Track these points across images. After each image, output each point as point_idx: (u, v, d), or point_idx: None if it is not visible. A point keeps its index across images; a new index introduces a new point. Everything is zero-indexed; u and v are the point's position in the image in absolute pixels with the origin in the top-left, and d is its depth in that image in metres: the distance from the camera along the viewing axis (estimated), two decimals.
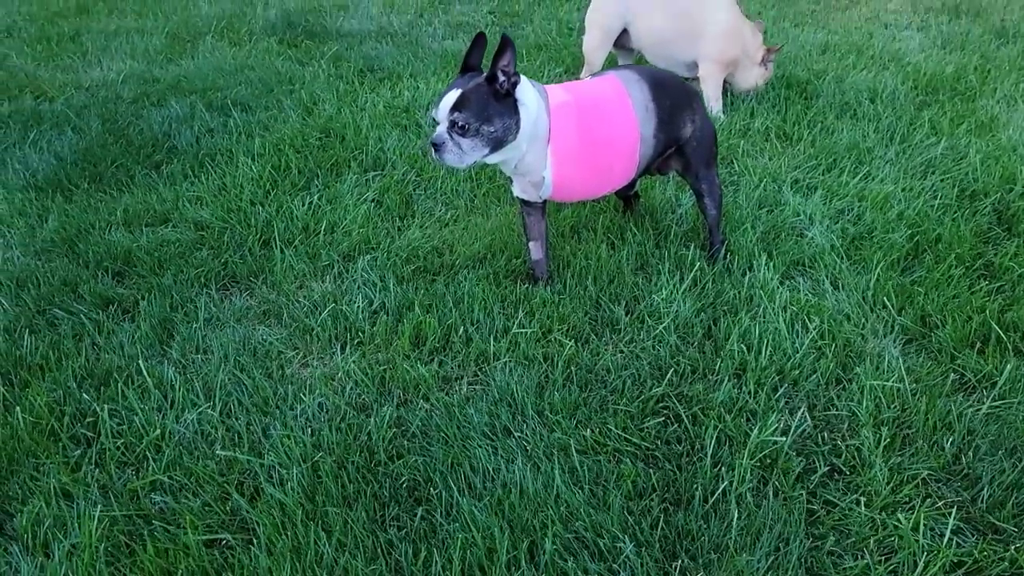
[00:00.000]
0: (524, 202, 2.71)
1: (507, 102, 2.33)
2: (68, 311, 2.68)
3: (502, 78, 2.30)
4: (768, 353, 2.44)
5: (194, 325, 2.63)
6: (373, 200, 3.42)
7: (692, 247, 2.97)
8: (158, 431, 2.15)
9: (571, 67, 4.97)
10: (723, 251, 2.96)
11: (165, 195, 3.46)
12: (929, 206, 3.26)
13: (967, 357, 2.43)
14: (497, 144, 2.37)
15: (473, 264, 2.96)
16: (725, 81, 4.35)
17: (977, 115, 4.14)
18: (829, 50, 5.28)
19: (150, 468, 2.05)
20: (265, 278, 2.92)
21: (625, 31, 4.34)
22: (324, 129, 4.08)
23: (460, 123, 2.30)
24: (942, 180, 3.49)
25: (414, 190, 3.55)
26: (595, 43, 4.35)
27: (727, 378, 2.36)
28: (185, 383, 2.34)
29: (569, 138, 2.48)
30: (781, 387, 2.34)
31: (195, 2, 6.77)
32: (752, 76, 4.32)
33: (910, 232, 3.07)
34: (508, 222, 3.19)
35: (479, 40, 2.40)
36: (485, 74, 2.32)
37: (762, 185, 3.48)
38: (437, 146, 2.34)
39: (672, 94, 2.69)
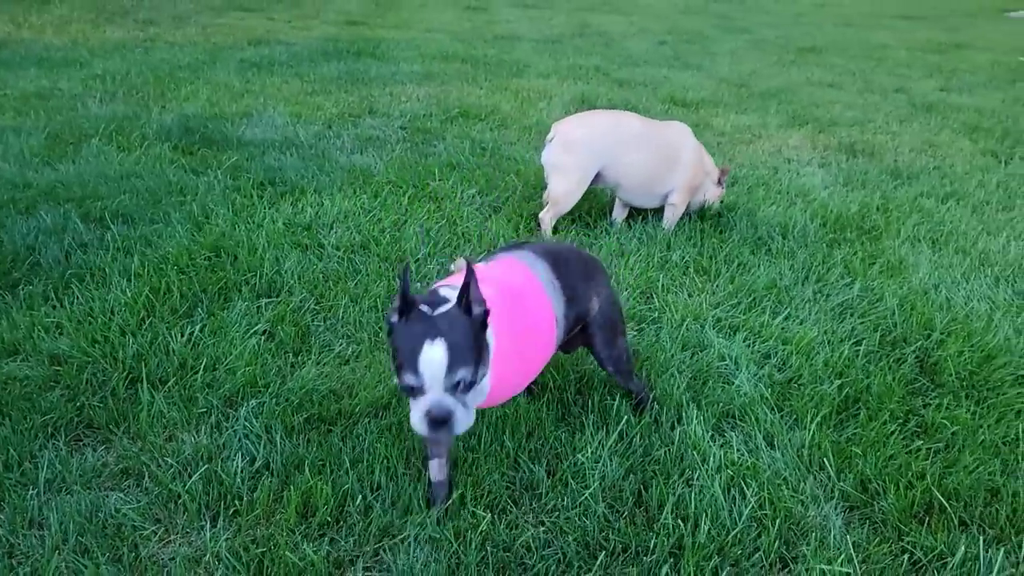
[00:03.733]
0: None
1: (483, 335, 1.93)
2: None
3: (478, 310, 1.89)
4: (706, 528, 2.19)
5: (31, 491, 2.17)
6: (264, 332, 3.06)
7: (617, 396, 2.74)
8: None
9: (483, 188, 4.82)
10: (649, 401, 2.75)
11: (18, 321, 3.00)
12: (854, 352, 3.16)
13: (915, 532, 2.24)
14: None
15: (375, 412, 2.63)
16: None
17: (886, 255, 4.18)
18: (738, 182, 5.35)
19: None
20: (127, 427, 2.49)
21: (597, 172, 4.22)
22: (214, 247, 3.72)
23: (467, 379, 1.83)
24: (861, 323, 3.44)
25: (312, 320, 3.22)
26: (572, 186, 4.12)
27: (663, 559, 2.08)
28: (7, 572, 1.88)
29: (503, 340, 2.07)
30: (722, 571, 2.07)
31: (84, 102, 6.36)
32: (712, 194, 4.51)
33: (839, 383, 2.94)
34: None
35: (406, 274, 1.86)
36: (453, 306, 1.89)
37: (684, 324, 3.33)
38: (442, 422, 1.83)
39: (575, 269, 2.44)
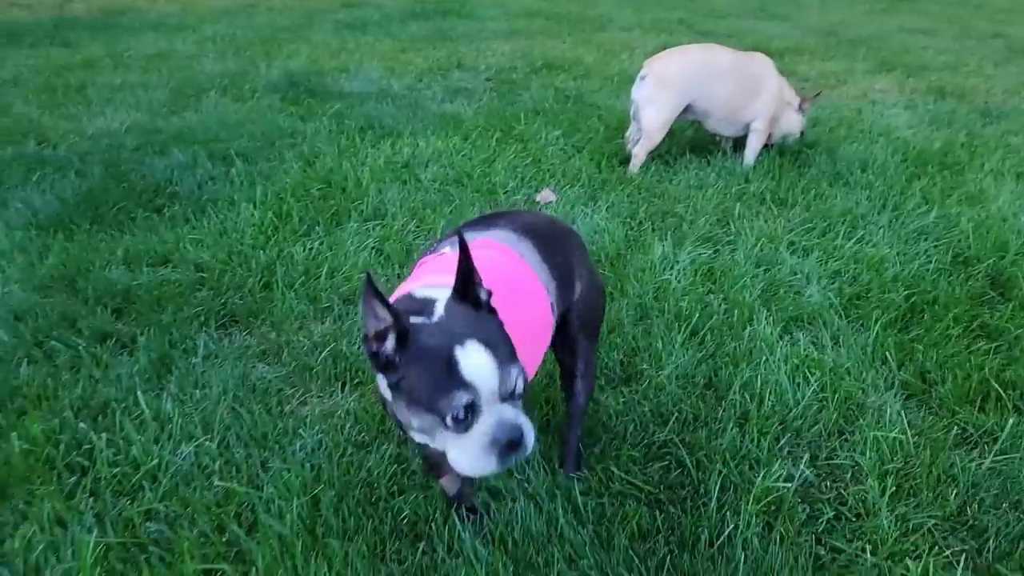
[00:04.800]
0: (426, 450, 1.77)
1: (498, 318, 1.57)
2: (66, 344, 2.65)
3: (485, 296, 1.53)
4: (770, 403, 2.44)
5: (193, 361, 2.60)
6: (373, 248, 3.43)
7: (686, 298, 3.00)
8: (155, 461, 2.11)
9: (567, 131, 5.08)
10: (579, 459, 2.19)
11: (166, 237, 3.47)
12: (924, 269, 3.31)
13: (968, 413, 2.44)
14: None
15: None
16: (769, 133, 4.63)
17: (967, 187, 4.26)
18: (819, 124, 5.44)
19: (146, 497, 2.00)
20: (265, 318, 2.91)
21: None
22: (325, 180, 4.12)
23: (522, 381, 1.47)
24: (935, 246, 3.56)
25: (414, 239, 3.57)
26: (663, 120, 4.37)
27: (730, 426, 2.35)
28: (183, 416, 2.31)
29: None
30: (783, 436, 2.33)
31: (199, 60, 6.91)
32: (794, 123, 4.65)
33: (907, 293, 3.11)
34: None
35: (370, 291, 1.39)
36: (454, 303, 1.51)
37: (759, 245, 3.54)
38: (519, 444, 1.44)
39: (559, 246, 2.00)
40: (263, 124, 5.10)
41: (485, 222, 2.00)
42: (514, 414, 1.43)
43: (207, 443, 2.20)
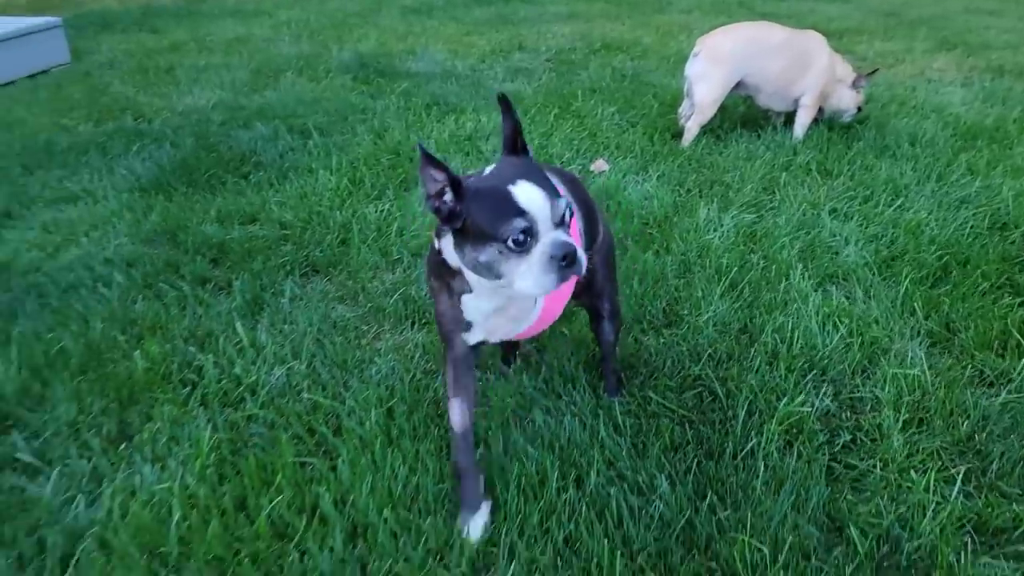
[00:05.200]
0: (460, 352, 1.97)
1: None
2: (172, 286, 3.03)
3: (528, 147, 1.79)
4: (799, 346, 2.67)
5: (281, 301, 2.95)
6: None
7: (727, 255, 3.22)
8: (254, 378, 2.46)
9: (622, 107, 5.30)
10: (620, 385, 2.46)
11: (253, 199, 3.84)
12: (960, 233, 3.47)
13: (986, 356, 2.62)
14: None
15: None
16: (820, 108, 4.78)
17: (1014, 159, 4.35)
18: (872, 100, 5.54)
19: (247, 406, 2.35)
20: (342, 268, 3.24)
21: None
22: (394, 151, 4.45)
23: (569, 212, 1.68)
24: (974, 213, 3.70)
25: None
26: (715, 95, 4.57)
27: (760, 363, 2.58)
28: (275, 344, 2.66)
29: None
30: (809, 373, 2.55)
31: (275, 44, 7.34)
32: (845, 98, 4.77)
33: (940, 253, 3.27)
34: None
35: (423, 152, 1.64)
36: (507, 153, 1.77)
37: (801, 210, 3.73)
38: (569, 259, 1.63)
39: (583, 195, 2.18)
40: (336, 101, 5.47)
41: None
42: (567, 236, 1.65)
43: (297, 366, 2.55)
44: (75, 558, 1.84)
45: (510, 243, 1.61)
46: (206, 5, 9.43)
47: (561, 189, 1.93)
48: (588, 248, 2.10)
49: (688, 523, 1.94)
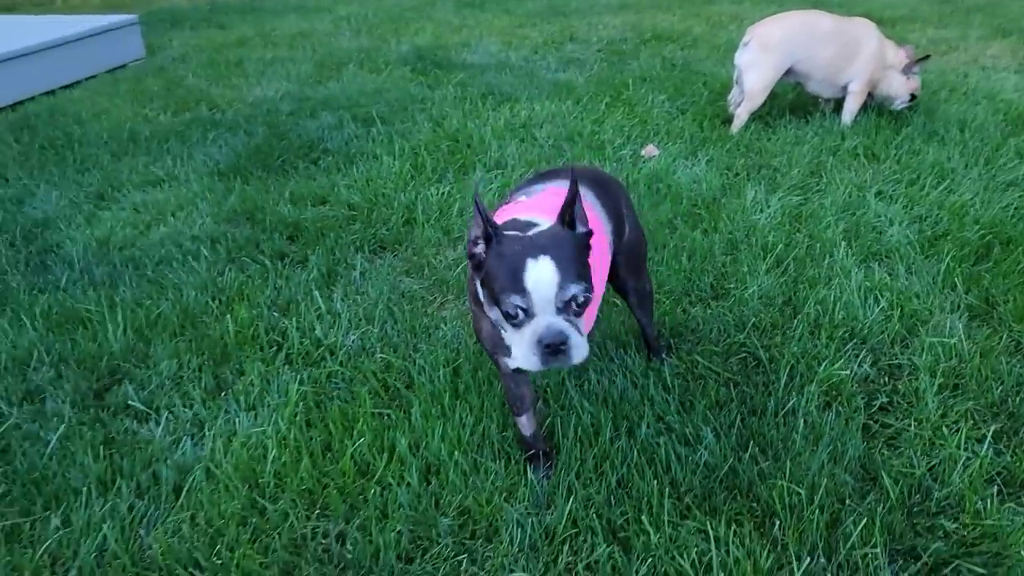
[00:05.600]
0: (515, 370, 2.01)
1: (587, 254, 1.79)
2: (254, 260, 3.30)
3: (582, 229, 1.78)
4: (841, 316, 2.81)
5: (353, 274, 3.20)
6: (495, 192, 3.95)
7: (773, 234, 3.37)
8: (332, 340, 2.70)
9: (672, 95, 5.44)
10: (662, 350, 2.65)
11: (322, 182, 4.10)
12: (1005, 214, 3.55)
13: None
14: None
15: None
16: (870, 95, 4.85)
17: None
18: (923, 88, 5.57)
19: (328, 365, 2.60)
20: (407, 245, 3.48)
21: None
22: (452, 138, 4.68)
23: (579, 298, 1.67)
24: (1020, 196, 3.77)
25: None
26: (765, 82, 4.70)
27: (803, 334, 2.74)
28: (350, 311, 2.90)
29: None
30: (850, 342, 2.70)
31: (336, 38, 7.63)
32: (896, 84, 4.80)
33: (983, 233, 3.37)
34: None
35: (479, 201, 1.70)
36: (553, 224, 1.77)
37: (847, 192, 3.84)
38: (558, 350, 1.65)
39: (613, 193, 2.30)
40: (396, 92, 5.72)
41: (553, 174, 2.26)
42: (563, 324, 1.64)
43: (370, 330, 2.78)
44: (185, 488, 2.10)
45: (503, 315, 1.68)
46: (268, 2, 9.80)
47: (593, 213, 2.04)
48: (614, 246, 2.20)
49: (731, 470, 2.12)
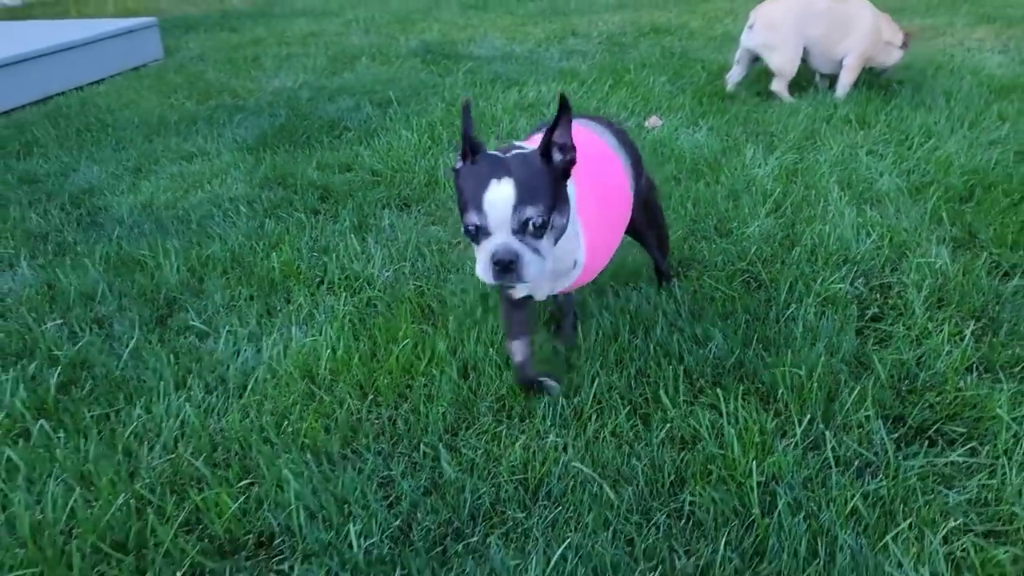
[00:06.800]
0: (511, 298, 2.16)
1: (562, 184, 1.81)
2: (290, 215, 3.55)
3: (559, 157, 1.79)
4: (836, 246, 3.06)
5: (383, 224, 3.45)
6: None
7: (772, 184, 3.62)
8: (370, 272, 2.95)
9: (671, 77, 5.72)
10: (672, 278, 2.85)
11: (346, 153, 4.37)
12: (988, 163, 3.80)
13: (1003, 251, 2.98)
14: (559, 237, 1.84)
15: None
16: (870, 69, 5.18)
17: None
18: (910, 67, 5.86)
19: (366, 292, 2.84)
20: (430, 202, 3.73)
21: None
22: None
23: (536, 220, 1.70)
24: (1001, 151, 4.03)
25: None
26: (789, 55, 5.01)
27: (800, 261, 2.98)
28: (382, 252, 3.15)
29: (591, 203, 2.00)
30: (844, 267, 2.94)
31: (347, 36, 7.93)
32: (892, 57, 5.15)
33: (967, 179, 3.62)
34: None
35: (467, 111, 1.83)
36: (533, 149, 1.81)
37: (840, 151, 4.10)
38: (509, 264, 1.69)
39: (629, 143, 2.41)
40: (409, 79, 6.00)
41: (578, 117, 2.22)
42: (517, 245, 1.68)
43: (403, 265, 3.03)
44: (249, 386, 2.33)
45: (464, 231, 1.76)
46: (277, 7, 10.13)
47: (604, 139, 2.19)
48: (634, 201, 2.29)
49: (738, 361, 2.36)
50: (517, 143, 1.99)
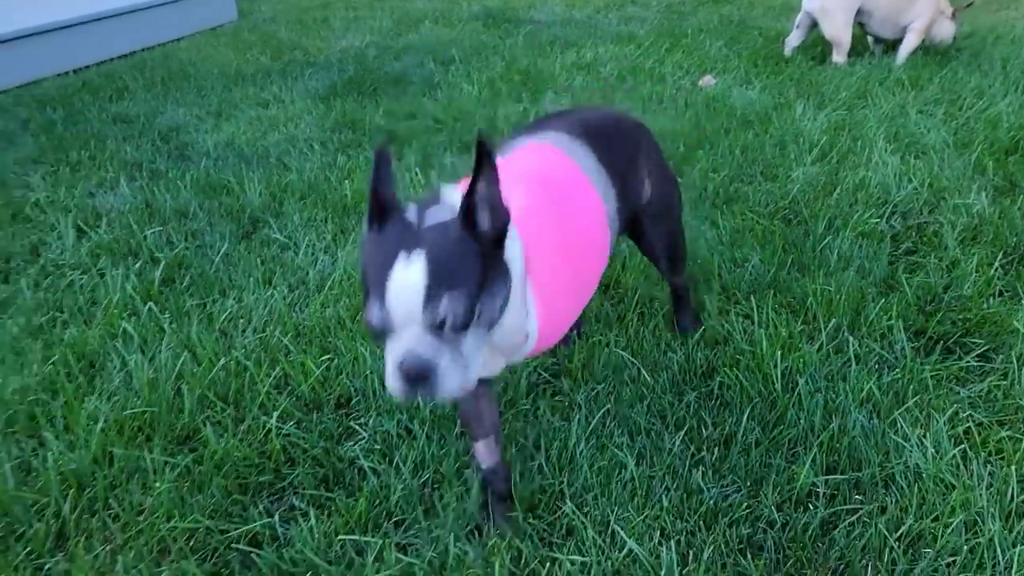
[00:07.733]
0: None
1: (495, 255, 1.33)
2: (358, 153, 3.82)
3: (487, 222, 1.30)
4: (876, 190, 3.20)
5: (446, 162, 3.70)
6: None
7: (820, 134, 3.76)
8: None
9: (728, 42, 5.83)
10: (694, 320, 2.36)
11: (410, 103, 4.62)
12: None
13: None
14: (493, 324, 1.36)
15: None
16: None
17: None
18: (971, 36, 5.86)
19: None
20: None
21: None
22: (524, 72, 5.15)
23: (456, 314, 1.25)
24: None
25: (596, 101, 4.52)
26: (841, 23, 5.10)
27: (840, 201, 3.13)
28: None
29: (546, 260, 1.49)
30: (883, 208, 3.08)
31: (411, 1, 8.19)
32: (945, 28, 5.23)
33: (1013, 135, 3.70)
34: None
35: (382, 161, 1.31)
36: (450, 214, 1.30)
37: (890, 108, 4.20)
38: (419, 378, 1.24)
39: (620, 145, 1.85)
40: (470, 40, 6.23)
41: (540, 125, 1.84)
42: (432, 349, 1.24)
43: None
44: (327, 285, 2.60)
45: (368, 323, 1.28)
46: None
47: (573, 159, 1.67)
48: (623, 225, 1.85)
49: (773, 278, 2.54)
50: (448, 192, 1.42)
